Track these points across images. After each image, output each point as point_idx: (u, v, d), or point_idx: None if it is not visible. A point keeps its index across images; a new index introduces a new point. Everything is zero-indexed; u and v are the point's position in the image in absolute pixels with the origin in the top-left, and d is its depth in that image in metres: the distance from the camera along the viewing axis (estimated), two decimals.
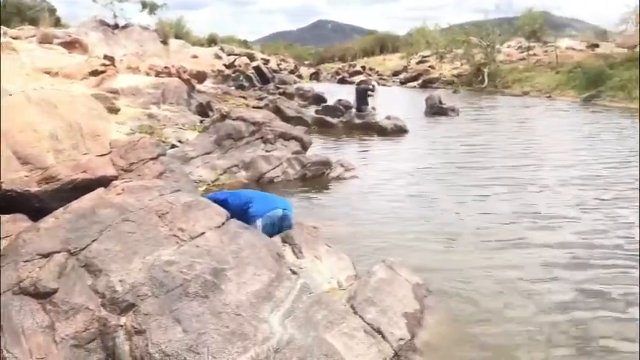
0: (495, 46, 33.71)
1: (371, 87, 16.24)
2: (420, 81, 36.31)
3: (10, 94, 4.81)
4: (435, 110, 17.43)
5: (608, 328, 3.70)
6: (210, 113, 14.13)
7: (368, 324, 3.35)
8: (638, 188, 6.64)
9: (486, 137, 12.85)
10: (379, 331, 3.32)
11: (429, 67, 40.20)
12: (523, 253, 5.11)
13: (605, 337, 3.59)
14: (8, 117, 4.46)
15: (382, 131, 13.38)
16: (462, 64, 36.31)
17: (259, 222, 4.65)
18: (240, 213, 4.58)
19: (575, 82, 23.70)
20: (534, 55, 32.99)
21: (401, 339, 3.34)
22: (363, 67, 48.36)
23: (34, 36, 18.89)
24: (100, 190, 3.54)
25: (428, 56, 44.00)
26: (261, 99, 19.97)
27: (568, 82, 24.41)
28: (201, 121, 12.97)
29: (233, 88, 26.40)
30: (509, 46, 37.94)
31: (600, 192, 7.19)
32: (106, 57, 16.59)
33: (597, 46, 32.46)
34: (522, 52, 34.92)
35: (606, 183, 7.71)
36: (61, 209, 3.29)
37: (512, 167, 9.10)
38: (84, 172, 4.40)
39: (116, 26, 26.91)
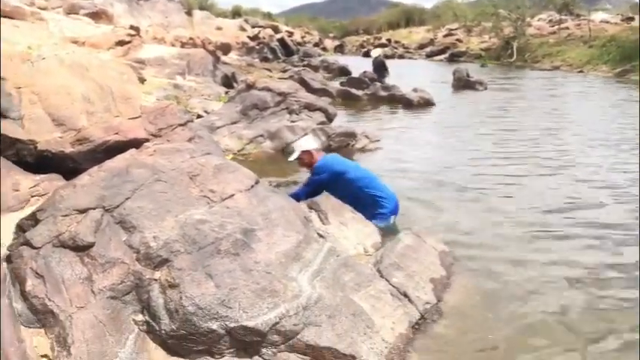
0: (525, 19, 32.86)
1: (378, 57, 16.36)
2: (446, 54, 35.76)
3: (44, 58, 4.89)
4: (463, 84, 17.18)
5: None
6: (235, 84, 14.15)
7: (394, 287, 3.38)
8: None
9: (514, 111, 12.63)
10: (405, 295, 3.35)
11: (456, 40, 39.49)
12: (558, 224, 5.06)
13: None
14: (42, 80, 4.54)
15: (408, 103, 13.25)
16: (490, 38, 35.53)
17: (392, 219, 4.71)
18: (356, 193, 4.60)
19: (609, 56, 23.02)
20: (566, 28, 32.06)
21: (427, 303, 3.36)
22: (389, 40, 47.74)
23: (60, 7, 19.02)
24: (133, 151, 3.61)
25: (455, 29, 43.12)
26: (285, 71, 19.88)
27: (601, 56, 23.73)
28: (226, 93, 12.99)
29: (257, 60, 26.37)
30: (539, 20, 36.93)
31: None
32: (131, 27, 16.67)
33: (632, 19, 31.32)
34: (553, 26, 33.96)
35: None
36: (95, 167, 3.36)
37: (539, 143, 8.93)
38: (116, 133, 4.48)
39: None
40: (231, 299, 2.66)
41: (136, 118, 4.83)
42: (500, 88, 18.01)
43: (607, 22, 31.54)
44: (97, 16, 19.15)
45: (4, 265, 2.89)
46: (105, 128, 4.48)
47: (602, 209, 5.46)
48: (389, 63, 17.40)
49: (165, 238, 2.89)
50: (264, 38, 31.39)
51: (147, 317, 2.67)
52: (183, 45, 18.24)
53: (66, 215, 2.96)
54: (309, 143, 5.12)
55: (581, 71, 23.58)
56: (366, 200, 4.61)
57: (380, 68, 16.27)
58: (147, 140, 4.55)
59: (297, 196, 4.49)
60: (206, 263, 2.80)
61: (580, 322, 3.39)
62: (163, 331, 2.59)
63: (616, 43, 23.34)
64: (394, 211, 4.74)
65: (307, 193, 4.62)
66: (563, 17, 34.59)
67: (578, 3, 38.14)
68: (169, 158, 3.63)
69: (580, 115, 12.18)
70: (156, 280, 2.74)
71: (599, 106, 13.60)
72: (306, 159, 4.87)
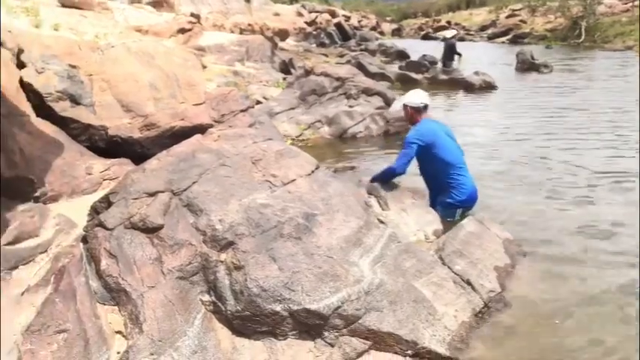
0: None
1: (454, 38, 15.78)
2: (509, 36, 34.43)
3: (113, 46, 5.09)
4: (527, 66, 16.48)
5: None
6: (293, 70, 14.21)
7: (457, 275, 3.33)
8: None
9: (581, 95, 12.02)
10: (469, 283, 3.29)
11: (520, 21, 37.90)
12: (622, 212, 4.82)
13: None
14: (111, 67, 4.73)
15: (469, 87, 12.91)
16: (555, 18, 33.82)
17: (459, 212, 4.38)
18: (435, 173, 4.38)
19: None
20: None
21: (491, 291, 3.29)
22: (449, 22, 46.53)
23: None
24: (199, 136, 3.71)
25: (519, 10, 41.38)
26: (342, 56, 19.77)
27: None
28: (284, 79, 13.08)
29: (314, 45, 26.37)
30: None
31: None
32: (192, 15, 17.03)
33: None
34: (626, 4, 31.97)
35: None
36: (164, 152, 3.48)
37: (608, 127, 8.48)
38: (182, 119, 4.61)
39: None
40: (294, 282, 2.70)
41: (201, 104, 4.95)
42: (567, 69, 17.17)
43: None
44: (158, 4, 19.68)
45: (81, 245, 3.05)
46: (171, 114, 4.62)
47: None
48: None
49: (230, 221, 2.96)
50: (321, 23, 31.33)
51: (213, 298, 2.75)
52: (241, 32, 18.53)
53: (136, 198, 3.08)
54: (412, 98, 4.60)
55: None
56: (442, 184, 4.40)
57: (449, 52, 15.73)
58: (211, 126, 4.66)
59: (394, 170, 4.31)
60: (269, 246, 2.85)
61: None
62: (229, 312, 2.67)
63: None
64: (465, 204, 4.40)
65: (400, 166, 4.30)
66: None
67: None
68: (233, 143, 3.71)
69: None
70: (222, 261, 2.82)
71: None
72: (406, 114, 4.62)
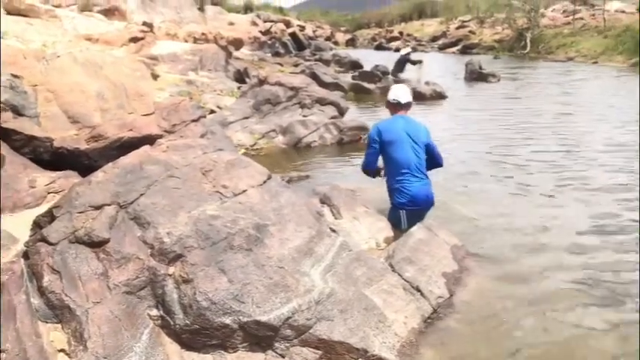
0: (539, 10, 32.43)
1: (408, 55, 16.17)
2: (459, 46, 35.41)
3: (58, 56, 4.95)
4: (475, 76, 17.04)
5: None
6: (247, 80, 14.16)
7: (407, 281, 3.39)
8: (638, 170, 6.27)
9: (527, 103, 12.52)
10: (418, 289, 3.36)
11: (469, 32, 39.08)
12: (568, 216, 5.04)
13: None
14: (57, 77, 4.60)
15: (420, 97, 13.16)
16: (503, 29, 35.08)
17: (404, 216, 4.34)
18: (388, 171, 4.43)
19: (624, 46, 22.66)
20: (580, 19, 31.56)
21: (439, 297, 3.37)
22: (401, 33, 47.50)
23: (75, 4, 19.17)
24: (147, 147, 3.65)
25: (468, 21, 42.74)
26: (297, 65, 19.85)
27: (616, 46, 23.37)
28: (238, 88, 13.01)
29: (269, 54, 26.34)
30: (553, 10, 36.44)
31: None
32: (144, 24, 16.76)
33: None
34: (568, 17, 33.46)
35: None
36: (110, 164, 3.41)
37: (552, 134, 8.87)
38: (130, 130, 4.53)
39: None
40: (244, 294, 2.69)
41: (150, 114, 4.88)
42: (513, 79, 17.83)
43: (622, 11, 30.96)
44: (110, 12, 19.28)
45: (22, 261, 2.95)
46: (119, 125, 4.53)
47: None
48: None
49: (178, 234, 2.92)
50: (275, 33, 31.36)
51: (161, 312, 2.71)
52: (195, 41, 18.32)
53: (81, 212, 3.00)
54: (390, 93, 4.63)
55: (595, 62, 23.23)
56: (390, 185, 4.43)
57: (400, 64, 16.10)
58: (160, 136, 4.59)
59: (363, 169, 4.61)
60: (219, 258, 2.83)
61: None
62: (178, 326, 2.63)
63: (631, 33, 22.93)
64: (406, 207, 4.31)
65: (366, 163, 4.55)
66: (577, 7, 34.08)
67: None
68: (182, 154, 3.67)
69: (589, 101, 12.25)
70: (170, 275, 2.78)
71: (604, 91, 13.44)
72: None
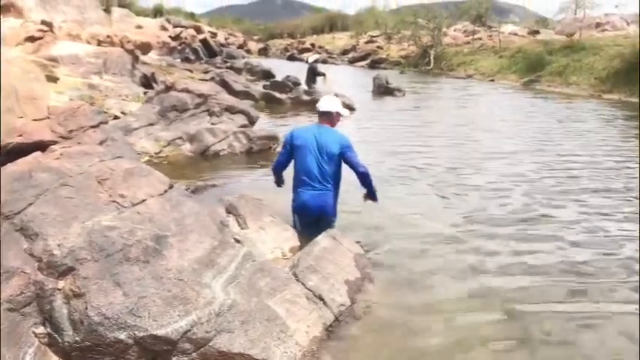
0: (442, 29, 34.28)
1: (316, 62, 16.49)
2: (368, 61, 36.48)
3: None
4: (382, 90, 17.69)
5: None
6: (155, 85, 13.73)
7: (310, 290, 3.43)
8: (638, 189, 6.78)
9: (429, 117, 13.30)
10: (320, 298, 3.41)
11: (378, 47, 40.38)
12: (467, 228, 5.34)
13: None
14: None
15: None
16: (409, 46, 36.70)
17: (297, 220, 4.59)
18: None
19: (517, 66, 24.55)
20: (479, 39, 33.71)
21: (341, 305, 3.44)
22: (313, 45, 48.13)
23: None
24: (37, 154, 3.44)
25: (376, 36, 44.18)
26: (207, 72, 19.54)
27: (510, 66, 25.24)
28: (145, 93, 12.57)
29: (179, 60, 25.75)
30: (455, 30, 38.67)
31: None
32: (43, 22, 15.73)
33: (538, 32, 33.62)
34: (468, 36, 35.63)
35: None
36: None
37: (451, 145, 9.44)
38: (19, 135, 4.23)
39: None
40: (140, 308, 2.59)
41: (42, 119, 4.58)
42: (417, 94, 18.74)
43: (515, 34, 33.57)
44: (5, 9, 17.89)
45: None
46: (7, 131, 4.22)
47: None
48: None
49: (70, 246, 2.77)
50: (186, 38, 30.62)
51: (49, 329, 2.55)
52: (99, 43, 17.49)
53: None
54: (319, 102, 4.73)
55: (492, 80, 24.92)
56: (293, 187, 4.55)
57: (312, 74, 16.27)
58: (54, 143, 4.33)
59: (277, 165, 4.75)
60: (114, 271, 2.72)
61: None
62: (67, 343, 2.49)
63: (522, 54, 24.92)
64: (298, 212, 4.51)
65: (276, 162, 4.76)
66: (476, 28, 36.40)
67: (490, 15, 40.40)
68: (77, 162, 3.49)
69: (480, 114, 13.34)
70: (59, 289, 2.62)
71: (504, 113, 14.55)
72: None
